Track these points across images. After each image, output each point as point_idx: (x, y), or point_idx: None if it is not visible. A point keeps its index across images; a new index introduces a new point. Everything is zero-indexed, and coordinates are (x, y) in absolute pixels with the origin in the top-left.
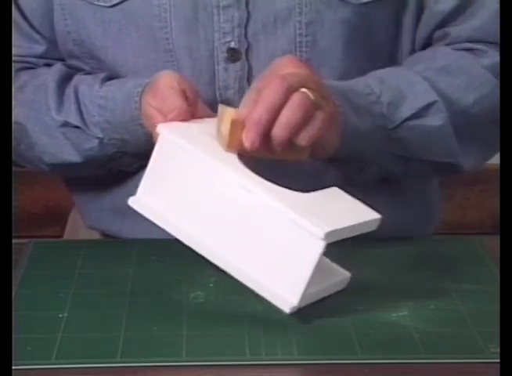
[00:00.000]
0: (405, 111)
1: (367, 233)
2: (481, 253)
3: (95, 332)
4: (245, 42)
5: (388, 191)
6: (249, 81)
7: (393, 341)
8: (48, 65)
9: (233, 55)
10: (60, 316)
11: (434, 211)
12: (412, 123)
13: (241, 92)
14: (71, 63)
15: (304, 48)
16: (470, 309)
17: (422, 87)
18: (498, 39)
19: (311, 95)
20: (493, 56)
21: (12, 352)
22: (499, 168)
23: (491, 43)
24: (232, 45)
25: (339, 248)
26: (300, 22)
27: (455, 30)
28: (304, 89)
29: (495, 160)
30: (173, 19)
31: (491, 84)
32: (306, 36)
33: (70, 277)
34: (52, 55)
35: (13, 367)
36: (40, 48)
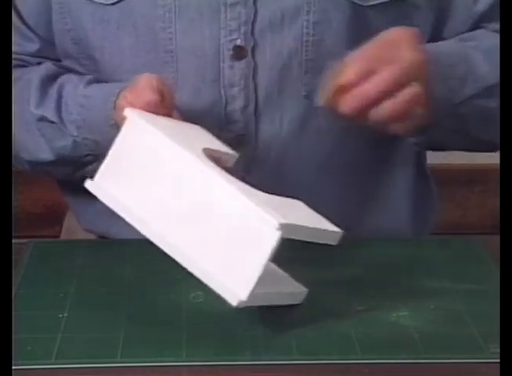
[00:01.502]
0: (471, 89)
1: (367, 233)
2: (481, 253)
3: (95, 332)
4: (251, 40)
5: (383, 190)
6: (254, 79)
7: (393, 341)
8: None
9: (239, 52)
10: (60, 316)
11: (432, 209)
12: (475, 101)
13: (246, 90)
14: (66, 63)
15: (310, 48)
16: (470, 309)
17: (485, 68)
18: None
19: (420, 90)
20: None
21: (12, 352)
22: (499, 167)
23: None
24: (238, 42)
25: (338, 248)
26: (307, 21)
27: (490, 27)
28: (416, 87)
29: (496, 160)
30: (178, 19)
31: None
32: (313, 35)
33: (70, 277)
34: (46, 54)
35: (13, 367)
36: (34, 47)
